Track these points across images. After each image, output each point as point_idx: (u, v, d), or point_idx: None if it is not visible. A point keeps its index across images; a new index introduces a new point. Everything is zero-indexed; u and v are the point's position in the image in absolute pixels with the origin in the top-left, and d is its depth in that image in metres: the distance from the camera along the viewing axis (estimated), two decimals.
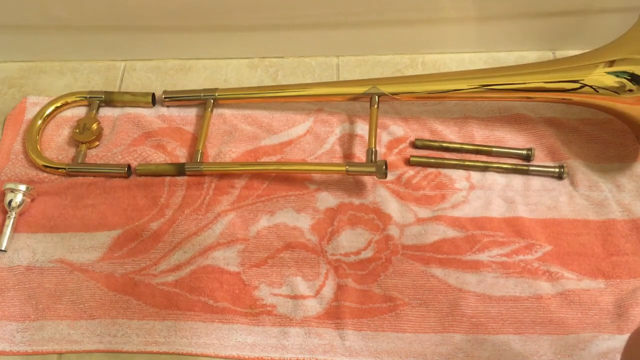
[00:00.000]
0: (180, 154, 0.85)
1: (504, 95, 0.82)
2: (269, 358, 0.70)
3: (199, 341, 0.71)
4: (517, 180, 0.82)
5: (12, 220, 0.78)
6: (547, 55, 0.95)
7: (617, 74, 0.75)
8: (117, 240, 0.78)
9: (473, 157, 0.84)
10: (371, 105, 0.83)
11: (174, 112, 0.90)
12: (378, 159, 0.81)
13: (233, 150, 0.85)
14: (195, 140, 0.86)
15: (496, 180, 0.81)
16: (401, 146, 0.85)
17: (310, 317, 0.72)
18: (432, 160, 0.83)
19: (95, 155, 0.86)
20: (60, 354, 0.71)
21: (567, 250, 0.76)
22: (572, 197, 0.80)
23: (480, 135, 0.86)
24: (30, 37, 0.93)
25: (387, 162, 0.80)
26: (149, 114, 0.89)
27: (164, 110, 0.90)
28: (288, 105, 0.89)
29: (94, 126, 0.86)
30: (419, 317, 0.72)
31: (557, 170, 0.81)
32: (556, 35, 0.93)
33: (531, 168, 0.82)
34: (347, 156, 0.84)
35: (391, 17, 0.89)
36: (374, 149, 0.79)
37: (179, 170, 0.82)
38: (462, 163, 0.82)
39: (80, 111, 0.91)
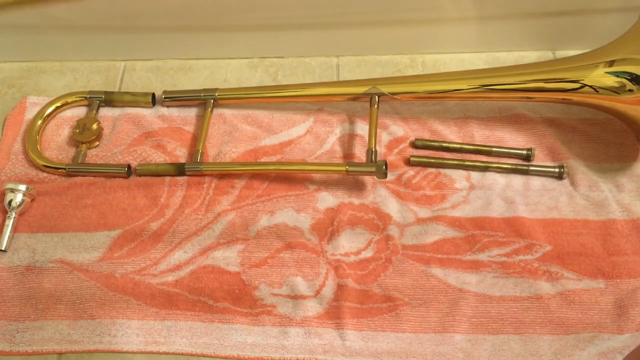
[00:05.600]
0: (180, 154, 0.85)
1: (504, 95, 0.82)
2: (269, 358, 0.70)
3: (199, 341, 0.71)
4: (517, 180, 0.82)
5: (12, 220, 0.78)
6: (547, 55, 0.95)
7: (617, 74, 0.75)
8: (117, 240, 0.78)
9: (473, 157, 0.84)
10: (371, 105, 0.83)
11: (174, 112, 0.90)
12: (378, 159, 0.81)
13: (233, 150, 0.85)
14: (195, 140, 0.86)
15: (496, 180, 0.81)
16: (401, 146, 0.85)
17: (310, 317, 0.72)
18: (432, 160, 0.83)
19: (95, 155, 0.86)
20: (60, 354, 0.71)
21: (567, 250, 0.76)
22: (572, 197, 0.80)
23: (480, 135, 0.86)
24: (30, 37, 0.93)
25: (387, 162, 0.80)
26: (149, 114, 0.89)
27: (164, 110, 0.90)
28: (288, 105, 0.89)
29: (94, 126, 0.86)
30: (419, 317, 0.72)
31: (557, 170, 0.81)
32: (556, 35, 0.93)
33: (531, 168, 0.82)
34: (347, 156, 0.84)
35: (391, 17, 0.89)
36: (374, 149, 0.79)
37: (179, 170, 0.82)
38: (462, 163, 0.82)
39: (80, 111, 0.91)
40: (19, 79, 0.96)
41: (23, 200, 0.79)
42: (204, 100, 0.88)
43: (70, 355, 0.71)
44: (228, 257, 0.76)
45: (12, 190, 0.79)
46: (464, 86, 0.81)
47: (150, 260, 0.76)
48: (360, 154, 0.84)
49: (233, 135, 0.86)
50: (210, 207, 0.80)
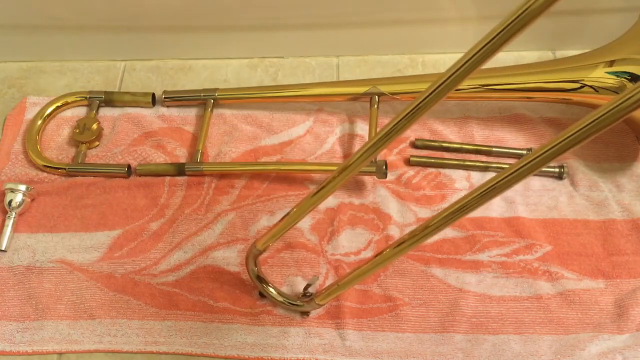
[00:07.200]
0: (180, 154, 0.85)
1: (504, 95, 0.82)
2: (269, 358, 0.70)
3: (199, 341, 0.71)
4: None
5: (12, 220, 0.78)
6: (547, 55, 0.95)
7: (617, 74, 0.75)
8: (117, 240, 0.78)
9: (473, 157, 0.84)
10: (371, 105, 0.83)
11: (174, 112, 0.90)
12: (378, 159, 0.81)
13: (233, 150, 0.85)
14: (195, 140, 0.86)
15: None
16: (401, 146, 0.85)
17: (310, 317, 0.72)
18: (432, 160, 0.83)
19: (95, 155, 0.86)
20: (60, 354, 0.71)
21: (567, 250, 0.76)
22: (572, 197, 0.80)
23: (480, 135, 0.86)
24: (30, 37, 0.93)
25: (387, 162, 0.80)
26: (149, 114, 0.89)
27: (164, 110, 0.90)
28: (288, 105, 0.89)
29: (94, 126, 0.86)
30: (419, 317, 0.72)
31: (557, 170, 0.81)
32: (556, 35, 0.93)
33: None
34: (347, 156, 0.84)
35: (391, 17, 0.89)
36: None
37: (179, 170, 0.82)
38: (462, 163, 0.82)
39: (80, 111, 0.91)
40: (19, 79, 0.96)
41: (23, 200, 0.79)
42: (204, 100, 0.88)
43: (70, 355, 0.71)
44: (228, 257, 0.76)
45: (12, 190, 0.79)
46: (464, 86, 0.81)
47: (150, 260, 0.76)
48: None
49: (233, 135, 0.86)
50: (210, 207, 0.80)
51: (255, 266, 0.68)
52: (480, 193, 0.47)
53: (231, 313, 0.72)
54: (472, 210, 0.48)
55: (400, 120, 0.48)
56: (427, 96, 0.47)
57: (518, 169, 0.44)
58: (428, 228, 0.51)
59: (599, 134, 0.39)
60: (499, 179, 0.45)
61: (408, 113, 0.48)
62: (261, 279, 0.69)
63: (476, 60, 0.45)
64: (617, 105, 0.38)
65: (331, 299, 0.68)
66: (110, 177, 0.83)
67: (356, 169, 0.52)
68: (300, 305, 0.69)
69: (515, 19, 0.42)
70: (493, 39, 0.43)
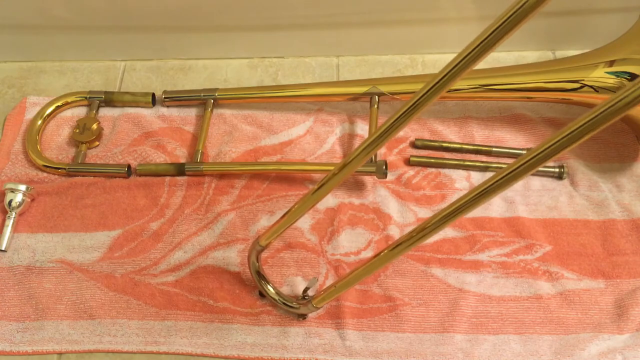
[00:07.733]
0: (180, 154, 0.85)
1: (504, 95, 0.82)
2: (269, 358, 0.70)
3: (199, 341, 0.71)
4: None
5: (12, 220, 0.78)
6: (547, 55, 0.95)
7: (617, 74, 0.75)
8: (117, 240, 0.78)
9: (473, 157, 0.84)
10: (371, 105, 0.83)
11: (174, 112, 0.90)
12: (378, 159, 0.81)
13: (233, 150, 0.85)
14: (195, 140, 0.86)
15: None
16: (401, 146, 0.85)
17: (310, 317, 0.72)
18: (432, 160, 0.83)
19: (95, 155, 0.86)
20: (60, 354, 0.71)
21: (567, 250, 0.76)
22: (572, 197, 0.80)
23: (480, 135, 0.86)
24: (30, 37, 0.93)
25: (387, 162, 0.80)
26: (149, 114, 0.89)
27: (164, 110, 0.90)
28: (288, 105, 0.89)
29: (94, 126, 0.86)
30: (419, 317, 0.72)
31: (557, 170, 0.81)
32: (556, 35, 0.93)
33: None
34: None
35: (391, 17, 0.89)
36: None
37: (179, 170, 0.82)
38: (462, 163, 0.82)
39: (80, 111, 0.91)
40: (19, 79, 0.96)
41: (23, 200, 0.79)
42: (204, 100, 0.88)
43: (70, 355, 0.71)
44: (228, 257, 0.76)
45: (12, 190, 0.79)
46: (464, 86, 0.81)
47: (150, 260, 0.76)
48: None
49: (233, 135, 0.86)
50: (210, 207, 0.80)
51: (257, 261, 0.68)
52: (478, 193, 0.46)
53: (231, 313, 0.72)
54: (471, 210, 0.48)
55: (401, 115, 0.48)
56: (429, 90, 0.47)
57: (515, 169, 0.44)
58: (425, 229, 0.51)
59: (595, 132, 0.39)
60: (497, 178, 0.45)
61: (407, 109, 0.47)
62: (260, 275, 0.69)
63: (473, 57, 0.45)
64: (614, 104, 0.38)
65: (328, 302, 0.67)
66: (110, 177, 0.83)
67: (357, 163, 0.51)
68: (296, 307, 0.69)
69: (508, 18, 0.42)
70: (487, 37, 0.43)
